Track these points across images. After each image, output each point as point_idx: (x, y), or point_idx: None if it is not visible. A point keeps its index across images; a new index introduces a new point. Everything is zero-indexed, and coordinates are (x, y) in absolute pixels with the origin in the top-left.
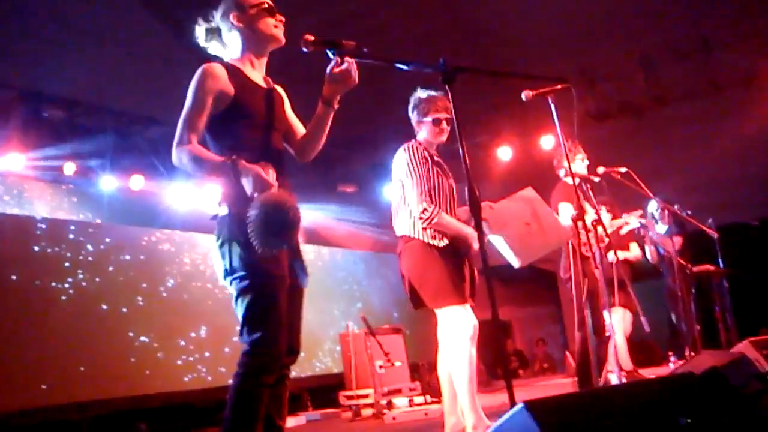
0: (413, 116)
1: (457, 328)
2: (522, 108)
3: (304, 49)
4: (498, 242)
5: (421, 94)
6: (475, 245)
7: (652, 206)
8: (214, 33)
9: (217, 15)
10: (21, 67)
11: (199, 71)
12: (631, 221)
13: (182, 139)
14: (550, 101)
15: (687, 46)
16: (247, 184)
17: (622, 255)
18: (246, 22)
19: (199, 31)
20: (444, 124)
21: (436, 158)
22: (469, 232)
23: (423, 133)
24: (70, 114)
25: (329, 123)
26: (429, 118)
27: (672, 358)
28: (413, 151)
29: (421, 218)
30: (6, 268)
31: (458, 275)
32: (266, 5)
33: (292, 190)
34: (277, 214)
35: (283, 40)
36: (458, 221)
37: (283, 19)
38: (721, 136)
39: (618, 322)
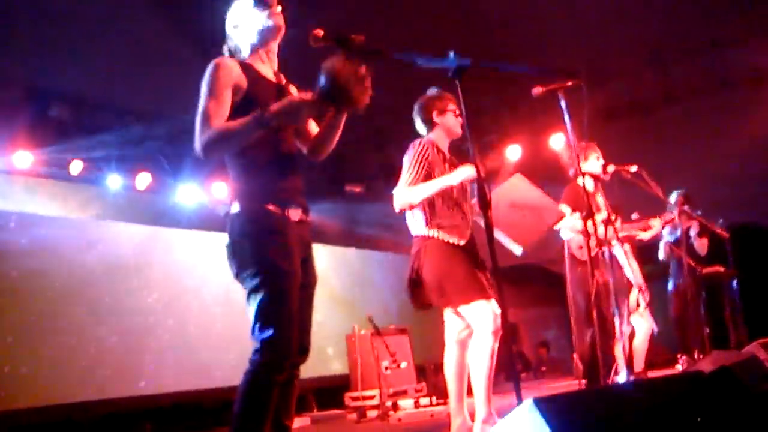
0: (423, 116)
1: (482, 323)
2: (531, 106)
3: (314, 45)
4: (496, 233)
5: (431, 93)
6: (468, 172)
7: (669, 207)
8: (231, 46)
9: (227, 28)
10: (28, 66)
11: (211, 65)
12: (655, 225)
13: (205, 127)
14: (560, 97)
15: (697, 44)
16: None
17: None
18: (252, 18)
19: (225, 50)
20: (460, 117)
21: (448, 156)
22: (446, 177)
23: (438, 131)
24: (77, 112)
25: (342, 125)
26: (449, 113)
27: (681, 360)
28: (419, 147)
29: (397, 203)
30: (10, 264)
31: (480, 273)
32: (266, 3)
33: (303, 188)
34: (340, 72)
35: (282, 26)
36: (429, 182)
37: (278, 7)
38: (732, 135)
39: (642, 323)
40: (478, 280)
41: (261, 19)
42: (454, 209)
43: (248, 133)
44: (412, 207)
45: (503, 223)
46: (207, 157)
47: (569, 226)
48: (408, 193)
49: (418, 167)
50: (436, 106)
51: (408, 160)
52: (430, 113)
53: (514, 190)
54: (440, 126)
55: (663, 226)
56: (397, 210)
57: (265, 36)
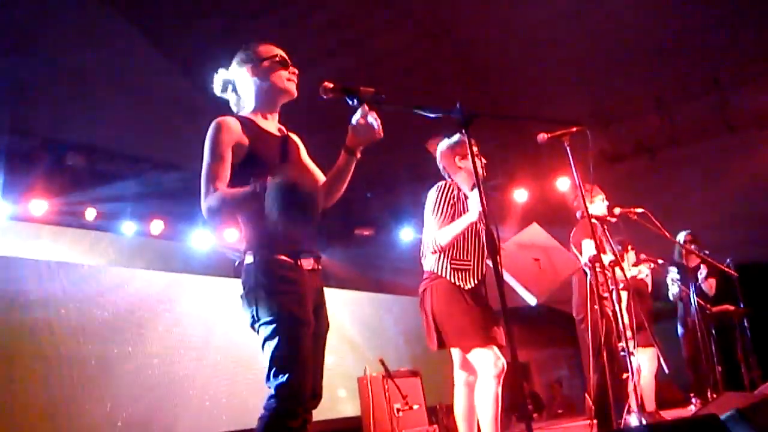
0: (446, 162)
1: (483, 368)
2: (536, 150)
3: (323, 96)
4: (511, 282)
5: (452, 139)
6: (474, 213)
7: (677, 248)
8: (229, 84)
9: (232, 66)
10: (44, 116)
11: (212, 126)
12: (642, 270)
13: (208, 189)
14: (565, 144)
15: (700, 87)
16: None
17: (634, 271)
18: (260, 74)
19: (217, 79)
20: (482, 159)
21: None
22: (467, 217)
23: (461, 175)
24: (92, 161)
25: (351, 172)
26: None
27: (693, 400)
28: (444, 189)
29: (436, 249)
30: (24, 311)
31: (484, 316)
32: (279, 58)
33: (315, 236)
34: (287, 189)
35: (295, 93)
36: (455, 222)
37: (296, 72)
38: (736, 175)
39: (645, 361)
40: (481, 324)
41: (277, 79)
42: (469, 251)
43: (246, 204)
44: (442, 249)
45: (519, 273)
46: (211, 220)
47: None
48: (437, 236)
49: (444, 209)
50: (458, 151)
51: (432, 203)
52: (452, 158)
53: (532, 240)
54: (464, 170)
55: (650, 271)
56: (431, 252)
57: (276, 98)
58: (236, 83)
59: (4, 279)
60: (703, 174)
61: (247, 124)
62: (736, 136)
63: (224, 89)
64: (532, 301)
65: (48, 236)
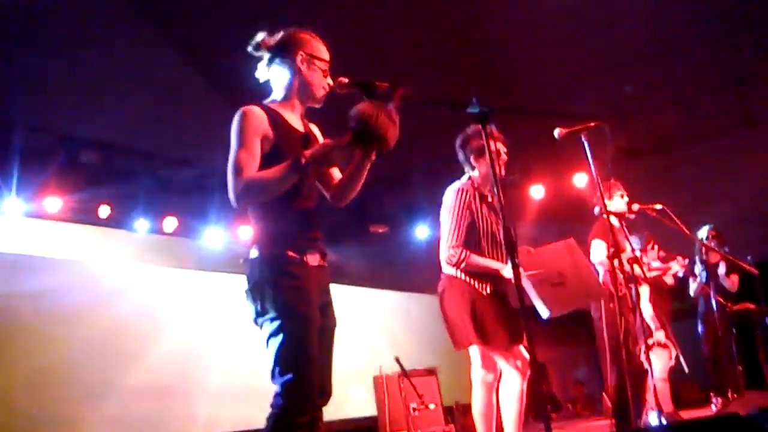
0: (465, 153)
1: (509, 365)
2: (553, 145)
3: (339, 91)
4: (528, 289)
5: (472, 131)
6: (507, 274)
7: (698, 241)
8: (268, 50)
9: (280, 39)
10: (59, 113)
11: (239, 114)
12: (674, 267)
13: (238, 179)
14: (583, 139)
15: (719, 82)
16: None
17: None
18: (307, 68)
19: (258, 37)
20: (503, 154)
21: (490, 198)
22: (499, 266)
23: (481, 169)
24: (106, 157)
25: (365, 172)
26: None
27: (714, 400)
28: (461, 194)
29: (449, 263)
30: (38, 308)
31: (504, 317)
32: (326, 65)
33: (323, 239)
34: (369, 114)
35: (321, 104)
36: (487, 259)
37: (331, 84)
38: (756, 170)
39: (658, 362)
40: (504, 323)
41: (317, 83)
42: (493, 253)
43: (284, 180)
44: (461, 270)
45: (540, 283)
46: (241, 205)
47: (604, 262)
48: (461, 259)
49: (461, 221)
50: (473, 147)
51: (449, 211)
52: (475, 150)
53: (566, 254)
54: (484, 162)
55: (683, 268)
56: (444, 265)
57: (307, 98)
58: (276, 57)
59: (18, 276)
60: (723, 170)
61: (273, 116)
62: (756, 132)
63: (258, 50)
64: (544, 313)
65: (62, 233)
